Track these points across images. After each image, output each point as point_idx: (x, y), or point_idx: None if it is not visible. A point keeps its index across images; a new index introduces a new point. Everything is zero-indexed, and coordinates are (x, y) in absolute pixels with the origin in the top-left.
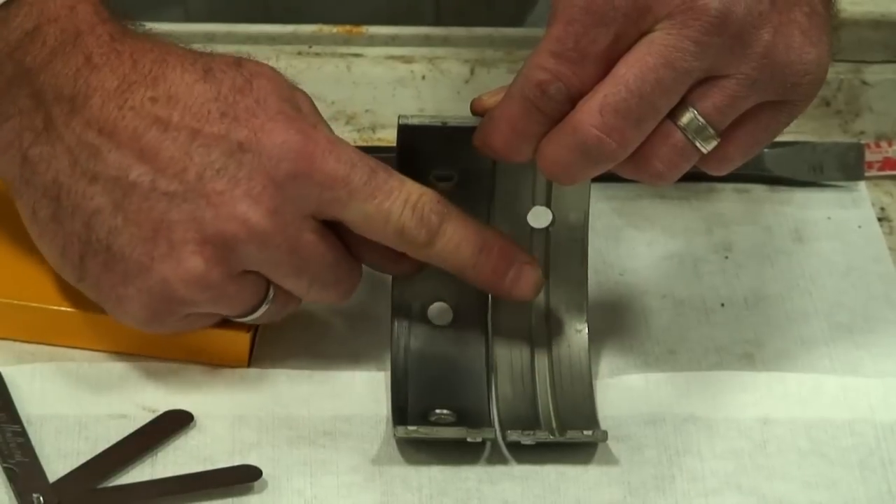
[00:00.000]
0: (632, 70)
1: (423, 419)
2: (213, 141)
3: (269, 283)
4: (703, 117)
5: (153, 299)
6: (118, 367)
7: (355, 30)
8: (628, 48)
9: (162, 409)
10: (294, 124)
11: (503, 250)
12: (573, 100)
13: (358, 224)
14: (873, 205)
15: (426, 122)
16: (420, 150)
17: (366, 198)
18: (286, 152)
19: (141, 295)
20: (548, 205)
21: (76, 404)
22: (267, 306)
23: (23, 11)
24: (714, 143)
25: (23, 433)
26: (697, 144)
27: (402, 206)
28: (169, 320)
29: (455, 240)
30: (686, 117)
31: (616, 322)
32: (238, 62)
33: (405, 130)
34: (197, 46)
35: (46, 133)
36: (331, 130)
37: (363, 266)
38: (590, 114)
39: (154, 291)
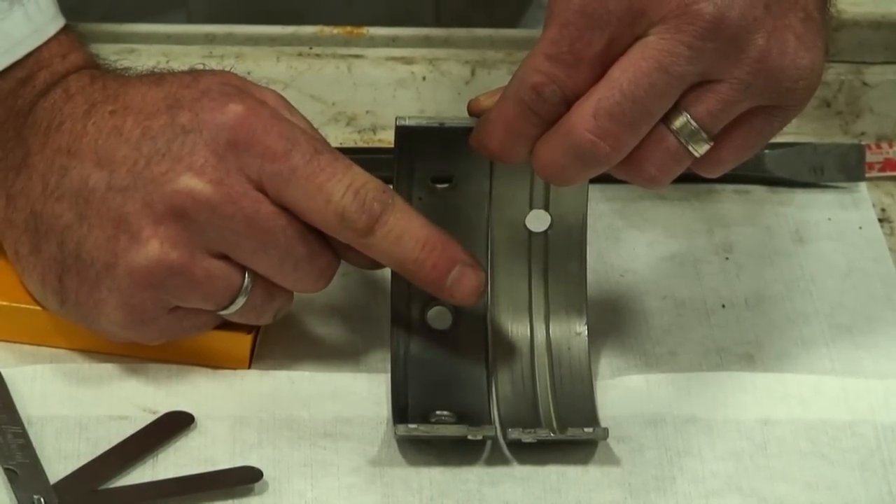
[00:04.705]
0: (626, 74)
1: (424, 421)
2: (159, 130)
3: (244, 269)
4: (696, 122)
5: (124, 295)
6: (119, 369)
7: (356, 31)
8: (623, 52)
9: (162, 410)
10: (234, 99)
11: (446, 249)
12: (568, 102)
13: (301, 204)
14: (874, 206)
15: (424, 122)
16: (418, 151)
17: (307, 176)
18: (226, 123)
19: (113, 294)
20: (546, 208)
21: (77, 406)
22: (246, 297)
23: (20, 63)
24: (706, 147)
25: (23, 434)
26: (690, 148)
27: (343, 189)
28: (149, 319)
29: (396, 231)
30: (679, 121)
31: (617, 323)
32: (192, 69)
33: (403, 131)
34: (197, 48)
35: (25, 166)
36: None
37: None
38: (584, 117)
39: (123, 287)
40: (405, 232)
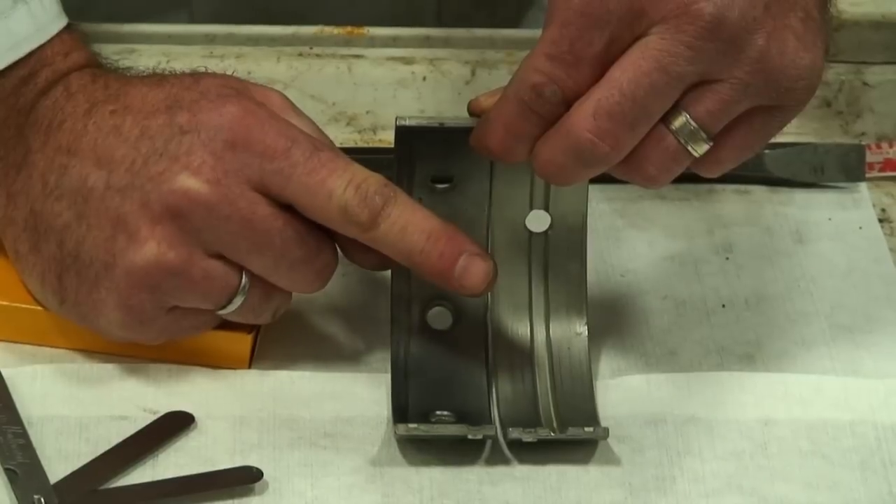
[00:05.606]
0: (626, 74)
1: (424, 420)
2: (158, 130)
3: (241, 269)
4: (696, 122)
5: (123, 296)
6: (119, 369)
7: (356, 31)
8: (623, 52)
9: (163, 410)
10: (232, 100)
11: (452, 239)
12: (568, 102)
13: (303, 201)
14: (874, 206)
15: (423, 123)
16: (418, 152)
17: (308, 172)
18: (222, 124)
19: (111, 294)
20: (546, 208)
21: (77, 406)
22: (243, 296)
23: (22, 61)
24: (706, 147)
25: (24, 434)
26: (689, 149)
27: (345, 183)
28: (148, 319)
29: (400, 223)
30: (679, 121)
31: (617, 323)
32: (195, 72)
33: (403, 131)
34: (198, 48)
35: (25, 165)
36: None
37: (360, 269)
38: (583, 117)
39: (122, 287)
40: (409, 223)
